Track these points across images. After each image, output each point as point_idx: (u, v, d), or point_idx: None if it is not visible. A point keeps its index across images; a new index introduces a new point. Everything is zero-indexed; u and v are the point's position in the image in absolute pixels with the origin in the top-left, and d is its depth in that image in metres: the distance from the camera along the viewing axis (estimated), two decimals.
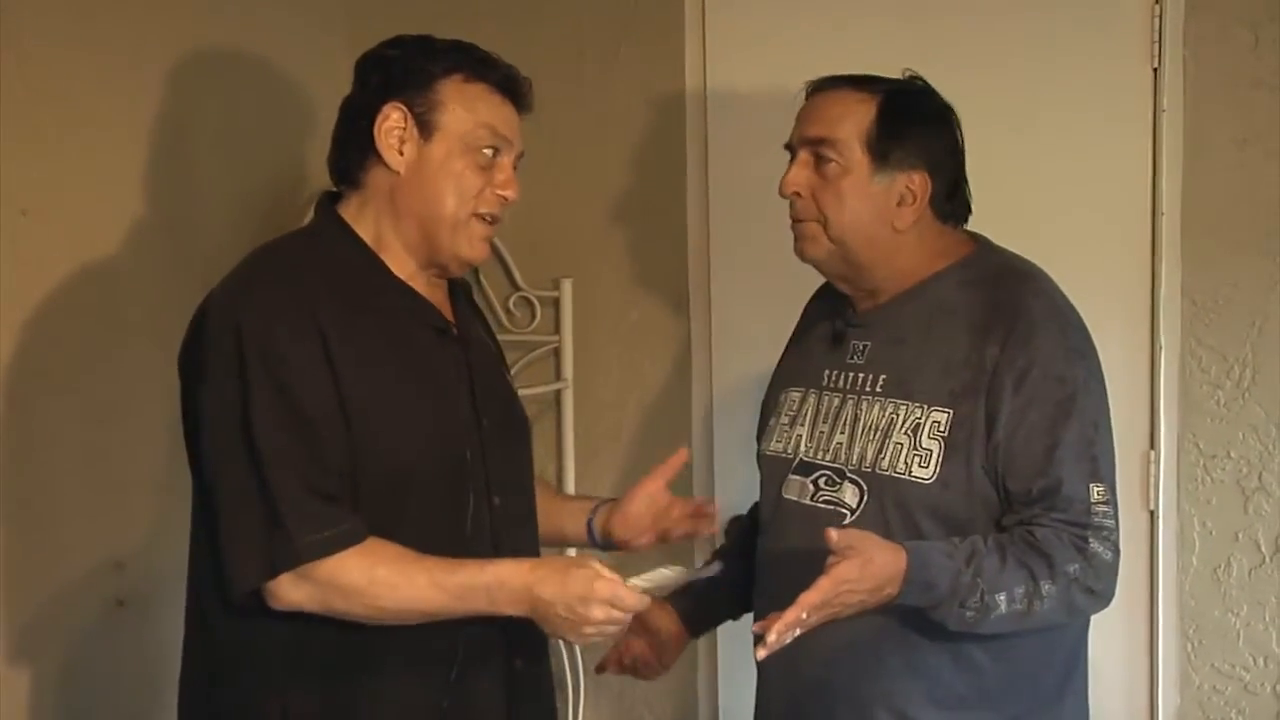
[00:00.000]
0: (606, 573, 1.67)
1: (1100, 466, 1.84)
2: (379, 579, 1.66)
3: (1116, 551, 1.85)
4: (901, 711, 1.87)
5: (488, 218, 1.83)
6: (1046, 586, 1.78)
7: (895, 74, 2.01)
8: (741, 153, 2.81)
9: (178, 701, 1.85)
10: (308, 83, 2.70)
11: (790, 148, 1.98)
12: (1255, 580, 2.58)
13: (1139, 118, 2.58)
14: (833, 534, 1.71)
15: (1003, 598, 1.76)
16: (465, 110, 1.77)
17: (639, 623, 2.04)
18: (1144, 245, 2.59)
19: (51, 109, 2.17)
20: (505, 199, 1.83)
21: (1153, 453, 2.60)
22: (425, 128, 1.77)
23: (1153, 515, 2.61)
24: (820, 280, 2.08)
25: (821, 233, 1.92)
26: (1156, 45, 2.56)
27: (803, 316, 2.18)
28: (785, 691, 1.99)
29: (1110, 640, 2.57)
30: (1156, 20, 2.56)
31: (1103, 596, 1.86)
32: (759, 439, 2.11)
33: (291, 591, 1.66)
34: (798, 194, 1.93)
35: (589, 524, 2.03)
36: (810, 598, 1.68)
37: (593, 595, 1.65)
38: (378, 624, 1.70)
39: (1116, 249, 2.61)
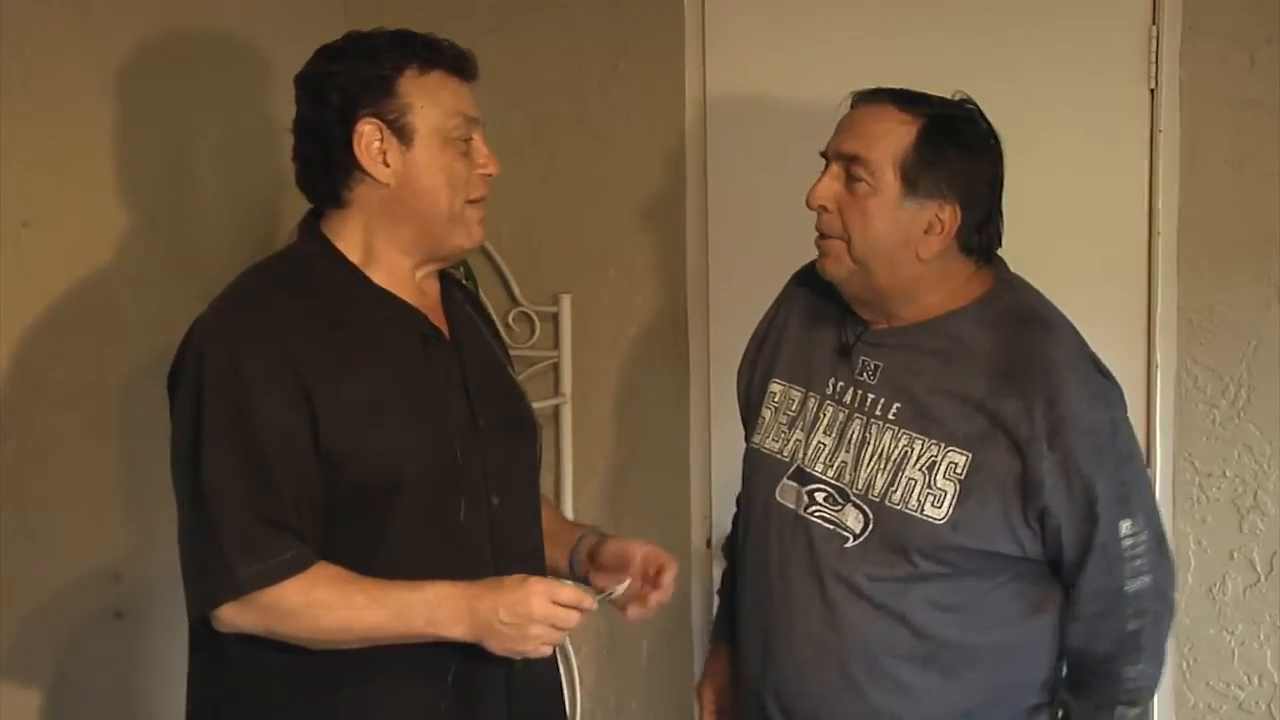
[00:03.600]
0: (539, 577, 1.72)
1: (1131, 503, 1.86)
2: (317, 601, 1.68)
3: (1159, 560, 1.88)
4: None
5: (477, 201, 1.85)
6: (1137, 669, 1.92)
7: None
8: (741, 169, 2.83)
9: (185, 716, 1.86)
10: None
11: (825, 156, 1.93)
12: (1250, 599, 2.59)
13: (1135, 138, 2.59)
14: None
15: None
16: (433, 105, 1.77)
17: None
18: (1140, 265, 2.60)
19: (52, 121, 2.18)
20: (489, 176, 1.85)
21: (1148, 471, 2.60)
22: (402, 134, 1.77)
23: None
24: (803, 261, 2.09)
25: (844, 251, 1.89)
26: (1153, 66, 2.57)
27: (791, 299, 2.13)
28: (768, 692, 1.99)
29: None
30: (1153, 41, 2.57)
31: (1166, 596, 1.93)
32: (750, 430, 2.09)
33: (232, 615, 1.69)
34: (824, 207, 1.90)
35: (572, 553, 2.01)
36: None
37: (530, 593, 1.68)
38: (322, 647, 1.71)
39: (1113, 268, 2.62)
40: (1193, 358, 2.59)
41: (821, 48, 2.74)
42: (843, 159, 1.88)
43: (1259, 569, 2.58)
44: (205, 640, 1.78)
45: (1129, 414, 2.55)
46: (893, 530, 1.86)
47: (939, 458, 1.85)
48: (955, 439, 1.85)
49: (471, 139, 1.82)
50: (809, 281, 2.07)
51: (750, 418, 2.10)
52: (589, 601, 1.73)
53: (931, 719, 1.89)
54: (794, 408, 2.02)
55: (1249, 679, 2.60)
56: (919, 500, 1.85)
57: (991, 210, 1.92)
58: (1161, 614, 1.92)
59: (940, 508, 1.84)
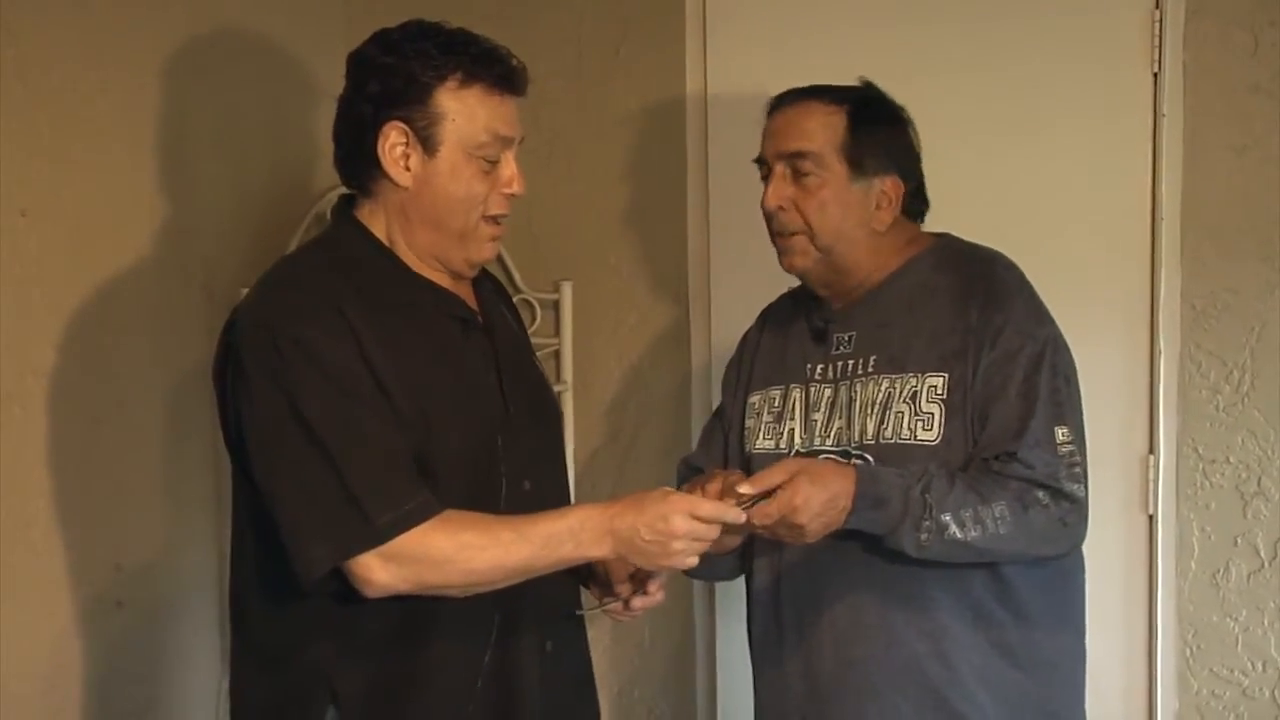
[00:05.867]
0: (677, 491, 1.74)
1: (1065, 412, 1.92)
2: (467, 543, 1.69)
3: (1085, 486, 1.91)
4: (934, 686, 1.91)
5: (497, 219, 1.85)
6: (999, 508, 1.83)
7: (898, 81, 2.04)
8: (742, 155, 2.80)
9: (230, 703, 1.88)
10: (308, 82, 2.70)
11: (762, 162, 2.04)
12: (1254, 585, 2.58)
13: (1139, 122, 2.58)
14: (776, 473, 1.78)
15: (949, 517, 1.82)
16: (466, 120, 1.77)
17: None
18: (1143, 250, 2.59)
19: (50, 109, 2.17)
20: (513, 195, 1.85)
21: (1152, 457, 2.60)
22: (428, 143, 1.77)
23: (1152, 520, 2.61)
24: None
25: (809, 244, 2.00)
26: (1156, 50, 2.56)
27: (759, 324, 2.21)
28: (803, 684, 2.01)
29: (1109, 644, 2.57)
30: (1156, 25, 2.56)
31: (1072, 530, 1.92)
32: (740, 440, 2.12)
33: (381, 574, 1.67)
34: (781, 208, 2.00)
35: None
36: (768, 508, 1.77)
37: (670, 509, 1.69)
38: (472, 591, 1.72)
39: (1116, 254, 2.61)
40: (1196, 343, 2.59)
41: (822, 33, 2.73)
42: (786, 158, 1.99)
43: (1263, 555, 2.57)
44: (248, 628, 1.82)
45: (1132, 402, 2.58)
46: (894, 465, 1.90)
47: (919, 386, 1.93)
48: (930, 364, 1.93)
49: (499, 158, 1.81)
50: (774, 306, 2.21)
51: (738, 431, 2.14)
52: (733, 514, 1.75)
53: (971, 663, 1.91)
54: (776, 404, 2.08)
55: (1253, 665, 2.59)
56: (910, 429, 1.92)
57: (920, 176, 2.06)
58: (1074, 528, 1.92)
59: (931, 430, 1.91)
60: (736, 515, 1.75)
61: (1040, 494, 1.86)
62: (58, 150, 2.19)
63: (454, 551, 1.68)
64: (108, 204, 2.30)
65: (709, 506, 1.73)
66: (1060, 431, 1.89)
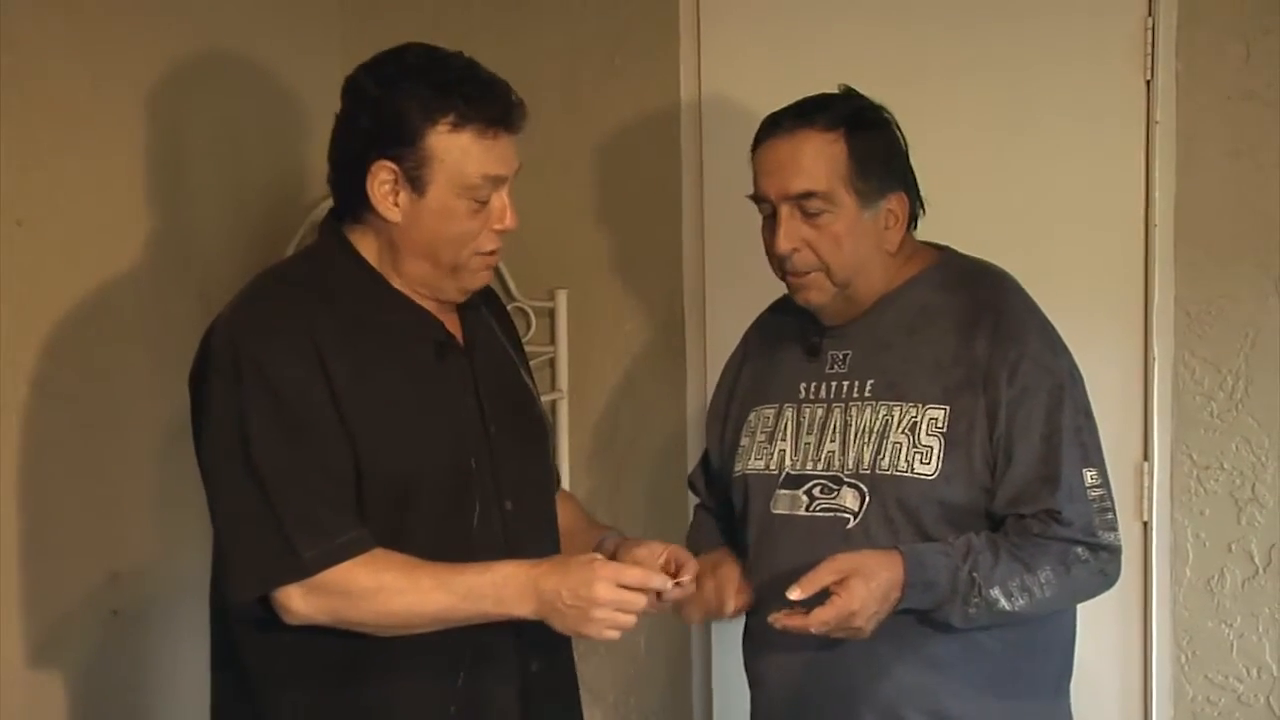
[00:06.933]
0: (606, 559, 1.71)
1: (1090, 452, 1.90)
2: (386, 585, 1.68)
3: (1118, 532, 1.90)
4: (921, 707, 1.90)
5: (489, 253, 1.84)
6: (1044, 574, 1.83)
7: (892, 87, 2.03)
8: (736, 163, 2.80)
9: (210, 712, 1.88)
10: (303, 91, 2.71)
11: (761, 200, 1.97)
12: (1249, 591, 2.58)
13: (1132, 129, 2.59)
14: (824, 573, 1.76)
15: (998, 591, 1.81)
16: (457, 162, 1.75)
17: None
18: (1137, 256, 2.60)
19: (47, 119, 2.18)
20: (505, 231, 1.83)
21: (1146, 464, 2.60)
22: (416, 183, 1.75)
23: (1146, 526, 2.61)
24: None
25: (825, 280, 1.95)
26: (1149, 57, 2.57)
27: (754, 341, 2.18)
28: (791, 698, 2.00)
29: (1103, 650, 2.57)
30: (1149, 32, 2.57)
31: (1111, 578, 1.92)
32: (731, 461, 2.10)
33: (301, 605, 1.68)
34: (796, 249, 1.93)
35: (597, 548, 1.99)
36: (825, 615, 1.74)
37: (594, 576, 1.66)
38: (390, 633, 1.71)
39: (1110, 260, 2.61)
40: (1190, 350, 2.59)
41: (815, 41, 2.74)
42: (792, 199, 1.92)
43: (1257, 561, 2.58)
44: (222, 639, 1.81)
45: (1126, 408, 2.59)
46: (888, 497, 1.88)
47: (919, 418, 1.89)
48: (932, 396, 1.90)
49: (489, 197, 1.79)
50: (762, 320, 2.17)
51: (730, 453, 2.11)
52: (658, 580, 1.71)
53: (958, 694, 1.90)
54: (770, 424, 2.04)
55: (1248, 671, 2.59)
56: (908, 461, 1.88)
57: (915, 180, 2.00)
58: (1112, 576, 1.93)
59: (929, 464, 1.87)
60: (662, 581, 1.72)
61: (1080, 550, 1.85)
62: (54, 160, 2.19)
63: (373, 591, 1.68)
64: (104, 213, 2.30)
65: (634, 574, 1.69)
66: (1089, 475, 1.87)
